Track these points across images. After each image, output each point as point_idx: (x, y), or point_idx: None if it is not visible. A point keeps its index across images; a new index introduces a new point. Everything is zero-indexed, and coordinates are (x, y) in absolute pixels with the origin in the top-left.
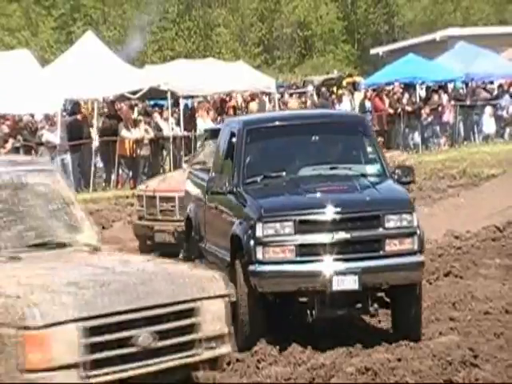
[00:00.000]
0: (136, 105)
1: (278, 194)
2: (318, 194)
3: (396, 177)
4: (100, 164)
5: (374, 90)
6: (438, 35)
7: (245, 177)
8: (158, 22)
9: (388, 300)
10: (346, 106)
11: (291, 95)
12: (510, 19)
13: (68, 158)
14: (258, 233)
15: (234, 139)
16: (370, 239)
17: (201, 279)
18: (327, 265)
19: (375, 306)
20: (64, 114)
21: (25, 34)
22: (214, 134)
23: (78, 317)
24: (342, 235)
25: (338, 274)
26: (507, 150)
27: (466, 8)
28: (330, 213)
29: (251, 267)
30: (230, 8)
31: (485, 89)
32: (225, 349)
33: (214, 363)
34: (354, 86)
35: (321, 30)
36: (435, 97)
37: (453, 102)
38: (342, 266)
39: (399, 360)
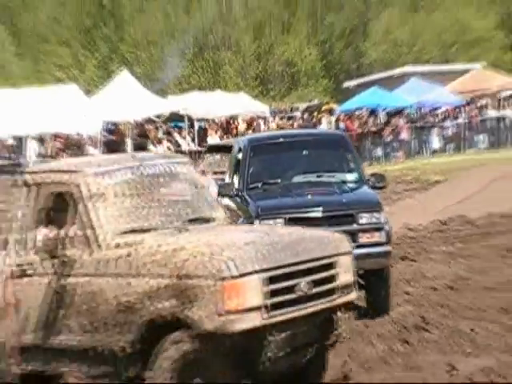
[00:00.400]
0: (160, 126)
1: (273, 197)
2: (305, 197)
3: (371, 183)
4: None
5: (345, 115)
6: (395, 72)
7: (248, 183)
8: (178, 61)
9: (362, 282)
10: (325, 126)
11: (281, 118)
12: (452, 59)
13: None
14: None
15: (240, 153)
16: (346, 233)
17: (335, 240)
18: None
19: None
20: (104, 133)
21: (73, 71)
22: (210, 149)
23: (260, 268)
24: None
25: None
26: (449, 161)
27: (418, 50)
28: (313, 211)
29: None
30: (233, 51)
31: (432, 114)
32: (353, 295)
33: (346, 306)
34: (331, 112)
35: (305, 68)
36: (394, 120)
37: (408, 124)
38: None
39: (367, 326)
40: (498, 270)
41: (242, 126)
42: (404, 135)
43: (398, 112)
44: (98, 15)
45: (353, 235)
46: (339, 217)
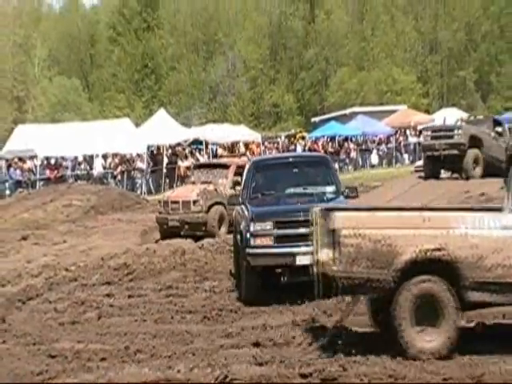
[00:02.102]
0: (186, 148)
1: (266, 205)
2: (290, 205)
3: (346, 194)
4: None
5: (313, 141)
6: (347, 111)
7: (250, 194)
8: (199, 103)
9: None
10: (299, 148)
11: (269, 143)
12: (386, 103)
13: (149, 176)
14: (252, 229)
15: (247, 171)
16: None
17: None
18: (293, 248)
19: None
20: (148, 153)
21: (127, 110)
22: (198, 166)
23: None
24: (303, 230)
25: (301, 254)
26: (384, 172)
27: (363, 96)
28: (295, 216)
29: (247, 250)
30: (236, 96)
31: (372, 140)
32: None
33: None
34: (303, 138)
35: (285, 108)
36: (346, 144)
37: (355, 147)
38: (303, 249)
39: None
40: None
41: (242, 148)
42: (353, 154)
43: (347, 139)
44: (143, 71)
45: None
46: None
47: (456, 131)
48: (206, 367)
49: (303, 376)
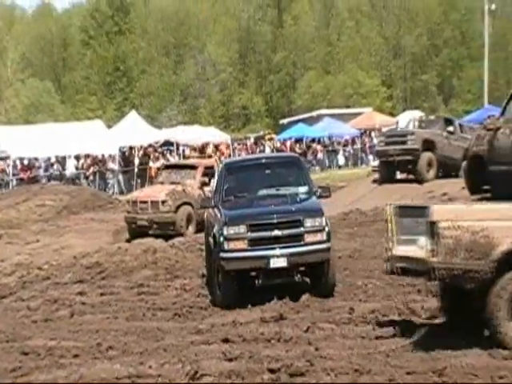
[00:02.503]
0: (157, 149)
1: (239, 208)
2: (263, 207)
3: (318, 194)
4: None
5: (281, 142)
6: (314, 113)
7: (223, 197)
8: (170, 106)
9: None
10: (268, 150)
11: (238, 144)
12: (351, 105)
13: (121, 177)
14: (225, 232)
15: (218, 173)
16: (295, 234)
17: None
18: (267, 251)
19: (299, 276)
20: (119, 154)
21: (99, 112)
22: (166, 167)
23: None
24: (277, 232)
25: (274, 257)
26: (349, 173)
27: (329, 99)
28: (269, 219)
29: (221, 254)
30: (206, 99)
31: (338, 142)
32: None
33: None
34: (271, 140)
35: (254, 110)
36: (313, 146)
37: (322, 148)
38: (277, 251)
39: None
40: (382, 246)
41: (211, 149)
42: (320, 155)
43: (314, 140)
44: (115, 74)
45: (300, 236)
46: (289, 222)
47: (409, 137)
48: (176, 363)
49: (272, 371)
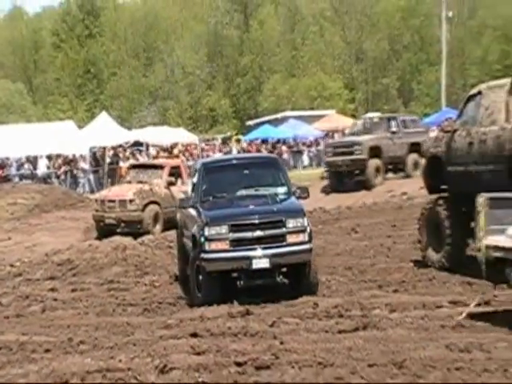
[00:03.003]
0: (127, 149)
1: (220, 208)
2: (244, 208)
3: (297, 194)
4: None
5: (247, 143)
6: (279, 115)
7: (202, 197)
8: (139, 107)
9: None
10: (235, 151)
11: (206, 145)
12: (316, 107)
13: (92, 176)
14: (206, 232)
15: (197, 174)
16: (277, 235)
17: None
18: (250, 252)
19: (281, 277)
20: (90, 154)
21: (70, 113)
22: (133, 166)
23: None
24: (259, 233)
25: (257, 258)
26: (314, 173)
27: (294, 101)
28: (251, 219)
29: (202, 255)
30: (175, 100)
31: (303, 143)
32: None
33: None
34: (238, 141)
35: (221, 112)
36: (278, 146)
37: (287, 149)
38: (259, 252)
39: (258, 304)
40: (345, 242)
41: (180, 150)
42: (285, 156)
43: (280, 141)
44: (85, 76)
45: (282, 236)
46: (272, 222)
47: (356, 147)
48: (146, 357)
49: (238, 364)
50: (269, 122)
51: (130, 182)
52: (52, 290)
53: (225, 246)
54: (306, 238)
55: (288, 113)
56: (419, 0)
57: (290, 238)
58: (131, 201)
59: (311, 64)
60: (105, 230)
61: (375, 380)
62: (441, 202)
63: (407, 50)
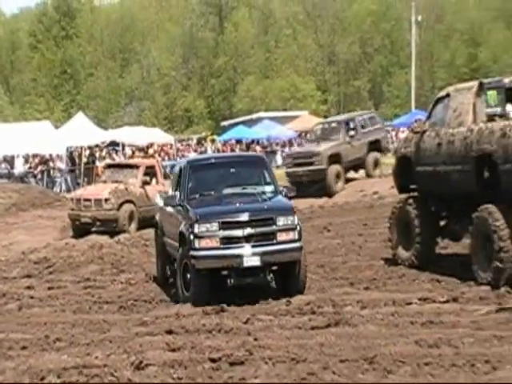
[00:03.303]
0: (103, 149)
1: (209, 205)
2: (234, 205)
3: (284, 193)
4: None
5: (222, 143)
6: (253, 116)
7: (188, 195)
8: (116, 108)
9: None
10: (210, 151)
11: (181, 145)
12: (289, 109)
13: (68, 176)
14: (196, 230)
15: (181, 172)
16: (267, 233)
17: None
18: (240, 250)
19: (271, 275)
20: (67, 153)
21: (47, 113)
22: (108, 166)
23: None
24: (249, 230)
25: (247, 256)
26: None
27: (268, 102)
28: (241, 216)
29: (191, 252)
30: (151, 101)
31: (276, 143)
32: None
33: None
34: (213, 141)
35: (196, 113)
36: (252, 146)
37: (261, 149)
38: (250, 250)
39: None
40: (317, 241)
41: (156, 150)
42: None
43: (254, 141)
44: (62, 77)
45: (273, 234)
46: (262, 220)
47: (315, 158)
48: (122, 353)
49: (213, 360)
50: (243, 122)
51: (105, 182)
52: (29, 287)
53: (215, 243)
54: (296, 236)
55: (262, 114)
56: (390, 5)
57: (281, 236)
58: (107, 200)
59: (284, 66)
60: (80, 229)
61: (347, 375)
62: (410, 201)
63: (378, 53)
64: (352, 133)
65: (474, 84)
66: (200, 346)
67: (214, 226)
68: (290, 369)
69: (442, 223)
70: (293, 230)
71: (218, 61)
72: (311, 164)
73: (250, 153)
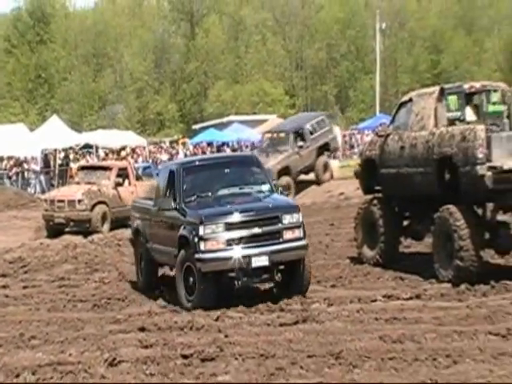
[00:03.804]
0: (77, 151)
1: (210, 206)
2: (238, 205)
3: (279, 191)
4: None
5: (193, 146)
6: (224, 120)
7: (184, 198)
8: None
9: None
10: (181, 153)
11: (154, 147)
12: (258, 112)
13: (43, 177)
14: (201, 232)
15: (173, 175)
16: (273, 231)
17: None
18: (248, 250)
19: (279, 275)
20: (41, 155)
21: (21, 116)
22: (82, 168)
23: None
24: (256, 230)
25: (255, 256)
26: None
27: (237, 106)
28: (247, 216)
29: (197, 255)
30: (124, 105)
31: (246, 145)
32: None
33: None
34: (184, 144)
35: (168, 116)
36: (222, 149)
37: (231, 152)
38: (258, 250)
39: None
40: None
41: (128, 152)
42: None
43: (225, 144)
44: (36, 81)
45: (279, 233)
46: (268, 219)
47: None
48: (95, 351)
49: (184, 357)
50: (214, 126)
51: (78, 183)
52: (4, 287)
53: (221, 245)
54: (301, 234)
55: (232, 117)
56: (355, 13)
57: (287, 235)
58: (80, 201)
59: (254, 71)
60: (54, 229)
61: (314, 370)
62: (375, 202)
63: (344, 59)
64: (301, 143)
65: (436, 89)
66: (172, 342)
67: (220, 227)
68: (259, 364)
69: (406, 223)
70: (298, 227)
71: (189, 66)
72: None
73: (242, 153)
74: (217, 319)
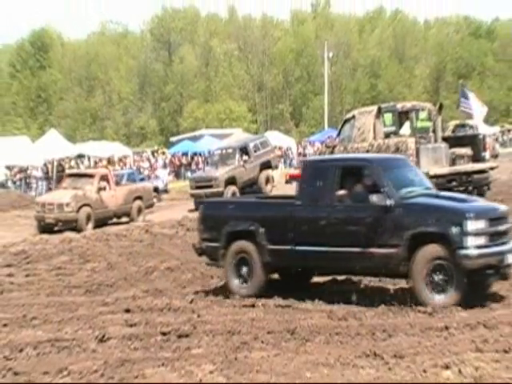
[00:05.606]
0: (72, 160)
1: (460, 202)
2: (476, 201)
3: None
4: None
5: (171, 155)
6: (197, 133)
7: (394, 194)
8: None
9: None
10: (161, 162)
11: (138, 157)
12: (225, 127)
13: (43, 182)
14: (469, 228)
15: (365, 172)
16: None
17: None
18: (502, 246)
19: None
20: (42, 163)
21: (24, 130)
22: (69, 175)
23: None
24: (507, 226)
25: (509, 252)
26: None
27: (208, 122)
28: (500, 213)
29: (461, 251)
30: (110, 120)
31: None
32: None
33: None
34: (164, 154)
35: (150, 130)
36: (196, 158)
37: (203, 160)
38: (510, 246)
39: (180, 285)
40: None
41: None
42: (201, 166)
43: (200, 154)
44: (37, 100)
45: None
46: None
47: (213, 182)
48: (88, 329)
49: (163, 334)
50: (188, 138)
51: (66, 188)
52: (9, 275)
53: (484, 240)
54: None
55: (203, 131)
56: (307, 44)
57: None
58: (67, 204)
59: (222, 92)
60: (45, 228)
61: (273, 343)
62: None
63: (298, 82)
64: (245, 158)
65: (374, 108)
66: (153, 322)
67: (483, 222)
68: (227, 339)
69: None
70: None
71: (167, 88)
72: (211, 187)
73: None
74: (191, 302)
